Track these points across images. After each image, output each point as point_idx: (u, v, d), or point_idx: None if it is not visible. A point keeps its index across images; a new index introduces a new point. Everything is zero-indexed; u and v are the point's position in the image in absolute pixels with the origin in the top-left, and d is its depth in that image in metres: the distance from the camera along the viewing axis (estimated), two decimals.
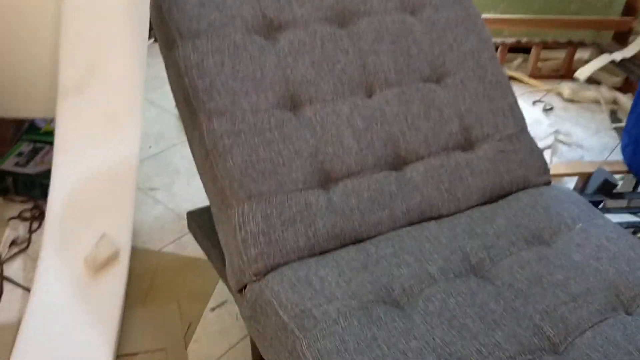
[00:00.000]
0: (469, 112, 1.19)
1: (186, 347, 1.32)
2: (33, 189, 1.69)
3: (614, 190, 1.72)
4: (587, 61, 2.65)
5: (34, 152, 1.77)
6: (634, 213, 1.64)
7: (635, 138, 1.76)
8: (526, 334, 0.86)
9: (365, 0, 1.19)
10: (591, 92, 2.58)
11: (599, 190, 1.71)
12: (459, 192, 1.11)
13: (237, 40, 1.05)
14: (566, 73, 2.72)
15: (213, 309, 1.42)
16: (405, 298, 0.91)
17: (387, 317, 0.85)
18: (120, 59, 1.55)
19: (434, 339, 0.83)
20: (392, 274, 0.94)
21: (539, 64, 2.74)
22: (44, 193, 1.54)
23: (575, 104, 2.56)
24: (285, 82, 1.07)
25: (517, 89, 2.60)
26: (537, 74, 2.73)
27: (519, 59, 2.82)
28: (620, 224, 1.55)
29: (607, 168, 1.78)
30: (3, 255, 1.51)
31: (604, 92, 2.59)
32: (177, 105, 1.08)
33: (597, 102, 2.58)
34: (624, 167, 1.82)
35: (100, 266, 1.35)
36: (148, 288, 1.45)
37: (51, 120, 1.87)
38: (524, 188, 1.19)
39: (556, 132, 2.29)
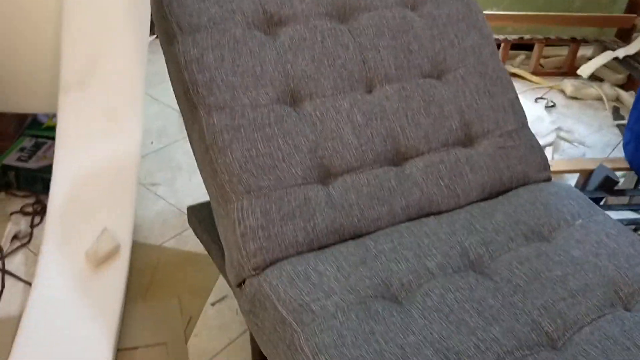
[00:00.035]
0: (470, 108, 1.19)
1: (186, 341, 1.32)
2: (35, 184, 1.70)
3: (615, 187, 1.72)
4: (590, 58, 2.64)
5: (36, 147, 1.77)
6: (635, 210, 1.64)
7: (637, 135, 1.75)
8: (524, 329, 0.86)
9: None
10: (594, 90, 2.57)
11: (600, 187, 1.71)
12: (458, 188, 1.11)
13: (237, 35, 1.05)
14: (569, 70, 2.71)
15: (213, 304, 1.42)
16: (404, 293, 0.91)
17: (385, 312, 0.85)
18: (122, 54, 1.55)
19: (431, 333, 0.83)
20: (391, 269, 0.94)
21: (542, 61, 2.73)
22: (45, 188, 1.54)
23: (577, 101, 2.56)
24: (285, 78, 1.07)
25: (519, 86, 2.59)
26: (539, 71, 2.72)
27: (521, 55, 2.81)
28: (621, 221, 1.54)
29: (609, 165, 1.78)
30: (5, 250, 1.51)
31: (607, 90, 2.58)
32: (177, 100, 1.08)
33: (599, 99, 2.57)
34: (626, 164, 1.82)
35: (101, 261, 1.35)
36: (149, 283, 1.46)
37: (53, 116, 1.88)
38: (524, 184, 1.19)
39: (558, 129, 2.29)
